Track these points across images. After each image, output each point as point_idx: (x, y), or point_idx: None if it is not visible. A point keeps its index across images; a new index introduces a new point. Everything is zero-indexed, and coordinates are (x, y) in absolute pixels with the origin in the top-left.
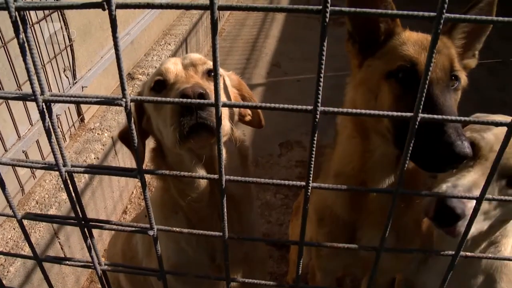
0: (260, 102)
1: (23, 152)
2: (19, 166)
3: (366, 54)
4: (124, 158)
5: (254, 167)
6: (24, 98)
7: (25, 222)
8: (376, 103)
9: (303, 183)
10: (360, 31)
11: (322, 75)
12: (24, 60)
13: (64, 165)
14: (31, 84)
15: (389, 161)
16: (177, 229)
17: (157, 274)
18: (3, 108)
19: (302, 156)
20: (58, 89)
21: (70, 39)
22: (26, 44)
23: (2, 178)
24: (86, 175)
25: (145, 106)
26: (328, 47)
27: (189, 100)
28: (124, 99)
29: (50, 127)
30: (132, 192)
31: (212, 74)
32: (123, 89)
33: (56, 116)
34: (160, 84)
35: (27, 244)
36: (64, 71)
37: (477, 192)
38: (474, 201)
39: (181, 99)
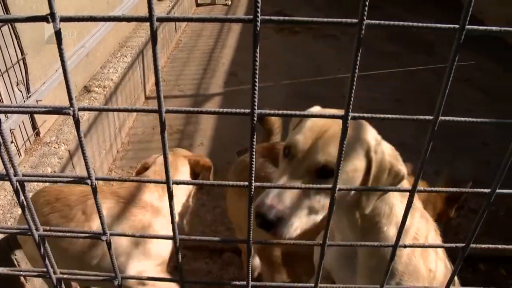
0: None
1: None
2: None
3: None
4: (82, 171)
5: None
6: None
7: None
8: None
9: (246, 183)
10: None
11: (257, 79)
12: None
13: (15, 175)
14: None
15: None
16: (129, 233)
17: (113, 278)
18: None
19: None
20: (11, 103)
21: (22, 53)
22: None
23: None
24: None
25: None
26: (284, 56)
27: None
28: (71, 108)
29: None
30: None
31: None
32: (70, 98)
33: (10, 130)
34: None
35: None
36: (17, 85)
37: (287, 194)
38: (287, 202)
39: None
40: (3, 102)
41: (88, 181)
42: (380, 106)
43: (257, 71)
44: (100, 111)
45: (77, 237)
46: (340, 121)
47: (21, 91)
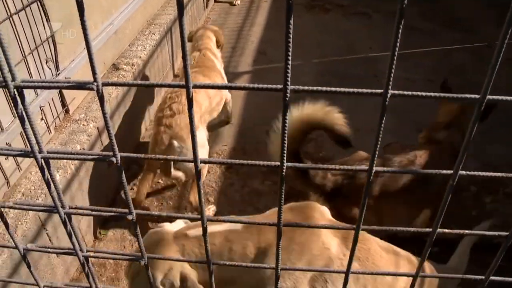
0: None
1: (6, 144)
2: None
3: None
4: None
5: (242, 155)
6: None
7: (11, 214)
8: None
9: (278, 163)
10: None
11: (290, 53)
12: None
13: (40, 152)
14: (1, 70)
15: None
16: (156, 213)
17: (140, 259)
18: None
19: None
20: None
21: (51, 30)
22: None
23: None
24: (73, 167)
25: None
26: (314, 34)
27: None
28: (95, 83)
29: (24, 114)
30: None
31: None
32: (93, 73)
33: (40, 107)
34: None
35: (15, 235)
36: (46, 63)
37: None
38: None
39: None
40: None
41: (113, 159)
42: (414, 87)
43: (291, 45)
44: (125, 86)
45: (102, 216)
46: None
47: (50, 69)
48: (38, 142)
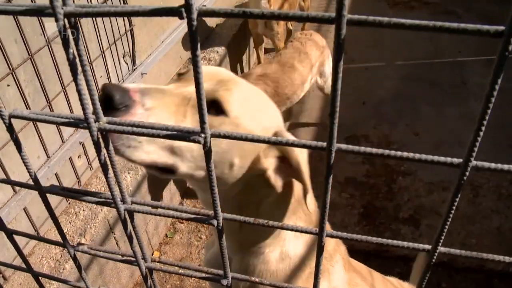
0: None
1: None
2: (71, 197)
3: None
4: None
5: (318, 162)
6: (75, 124)
7: (81, 216)
8: None
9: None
10: None
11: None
12: (75, 80)
13: (123, 202)
14: (83, 108)
15: None
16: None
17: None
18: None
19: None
20: (117, 76)
21: (130, 23)
22: (77, 60)
23: (55, 216)
24: (144, 168)
25: None
26: (398, 34)
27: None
28: (203, 135)
29: (108, 161)
30: None
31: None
32: (202, 122)
33: None
34: None
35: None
36: (123, 57)
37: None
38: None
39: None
40: (109, 74)
41: (214, 222)
42: None
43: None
44: (237, 139)
45: (192, 276)
46: None
47: (127, 64)
48: (121, 192)
